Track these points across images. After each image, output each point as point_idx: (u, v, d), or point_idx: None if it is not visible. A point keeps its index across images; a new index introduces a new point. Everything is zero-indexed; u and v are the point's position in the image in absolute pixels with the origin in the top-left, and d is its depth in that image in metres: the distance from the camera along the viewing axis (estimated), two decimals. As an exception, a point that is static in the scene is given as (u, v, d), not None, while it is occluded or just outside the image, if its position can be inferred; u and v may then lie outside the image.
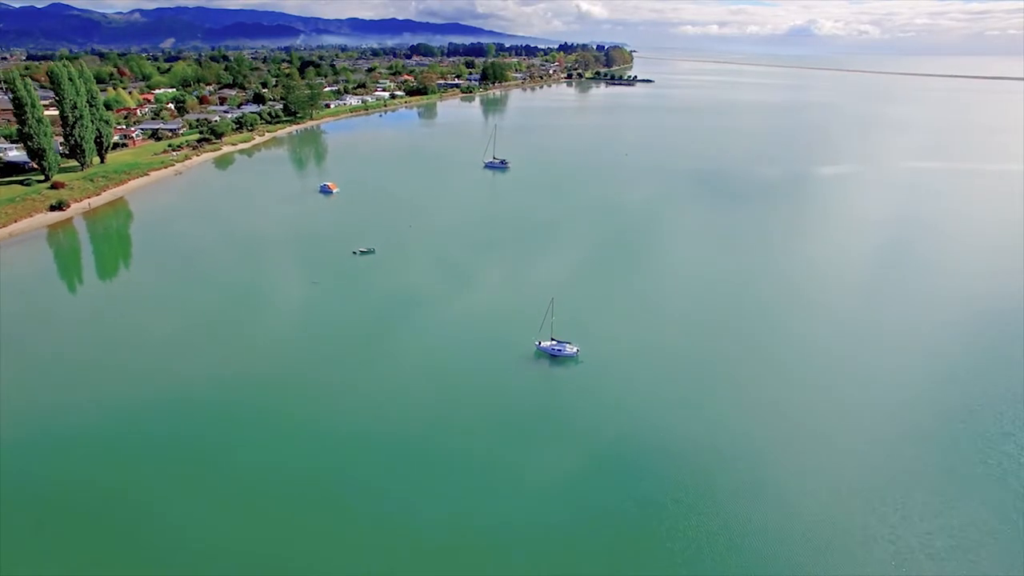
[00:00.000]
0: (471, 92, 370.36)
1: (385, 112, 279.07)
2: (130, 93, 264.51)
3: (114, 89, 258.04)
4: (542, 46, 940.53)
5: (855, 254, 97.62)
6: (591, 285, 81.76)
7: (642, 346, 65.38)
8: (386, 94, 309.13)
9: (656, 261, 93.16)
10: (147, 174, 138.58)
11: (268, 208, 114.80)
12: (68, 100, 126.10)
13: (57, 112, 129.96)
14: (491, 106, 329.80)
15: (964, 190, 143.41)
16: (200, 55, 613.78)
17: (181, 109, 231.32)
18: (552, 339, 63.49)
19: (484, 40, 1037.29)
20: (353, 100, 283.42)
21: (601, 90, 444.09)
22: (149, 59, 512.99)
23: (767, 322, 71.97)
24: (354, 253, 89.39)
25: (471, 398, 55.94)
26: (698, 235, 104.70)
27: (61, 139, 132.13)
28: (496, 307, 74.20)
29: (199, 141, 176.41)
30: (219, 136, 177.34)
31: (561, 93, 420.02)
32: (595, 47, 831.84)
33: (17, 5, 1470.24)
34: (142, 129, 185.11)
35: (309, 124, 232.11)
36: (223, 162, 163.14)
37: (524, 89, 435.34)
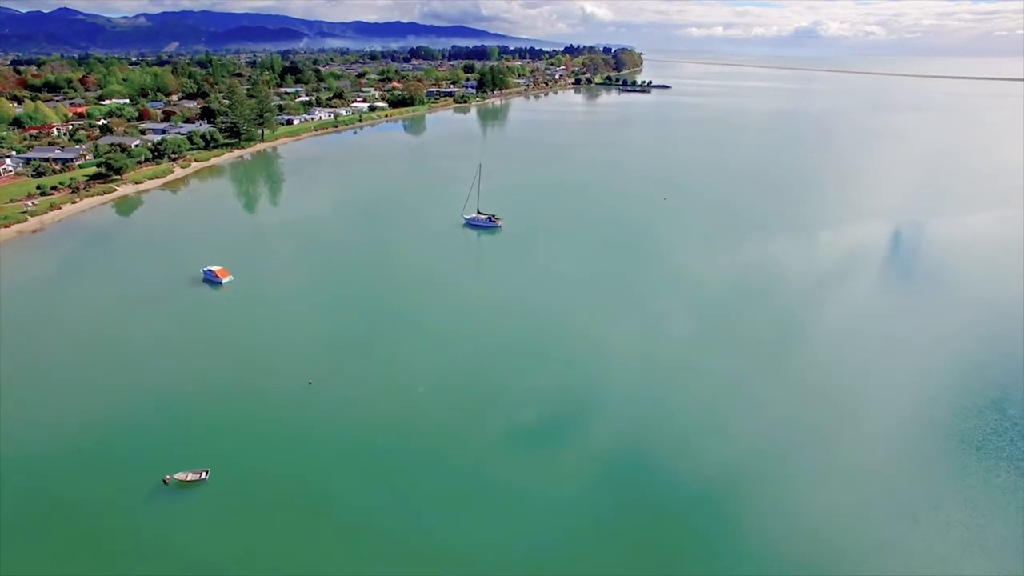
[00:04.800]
0: (466, 102, 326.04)
1: (360, 128, 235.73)
2: (55, 106, 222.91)
3: (34, 103, 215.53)
4: (547, 48, 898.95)
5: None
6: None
7: None
8: (364, 106, 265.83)
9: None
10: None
11: (99, 327, 69.65)
12: None
13: None
14: (487, 120, 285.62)
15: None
16: (191, 59, 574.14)
17: (105, 128, 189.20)
18: None
19: (488, 43, 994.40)
20: (324, 114, 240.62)
21: (614, 98, 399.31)
22: (132, 64, 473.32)
23: None
24: (165, 482, 44.47)
25: None
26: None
27: None
28: None
29: (92, 178, 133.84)
30: (117, 171, 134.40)
31: (569, 102, 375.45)
32: (601, 49, 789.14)
33: (24, 10, 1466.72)
34: (25, 160, 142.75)
35: (261, 147, 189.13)
36: (109, 213, 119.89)
37: (527, 97, 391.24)
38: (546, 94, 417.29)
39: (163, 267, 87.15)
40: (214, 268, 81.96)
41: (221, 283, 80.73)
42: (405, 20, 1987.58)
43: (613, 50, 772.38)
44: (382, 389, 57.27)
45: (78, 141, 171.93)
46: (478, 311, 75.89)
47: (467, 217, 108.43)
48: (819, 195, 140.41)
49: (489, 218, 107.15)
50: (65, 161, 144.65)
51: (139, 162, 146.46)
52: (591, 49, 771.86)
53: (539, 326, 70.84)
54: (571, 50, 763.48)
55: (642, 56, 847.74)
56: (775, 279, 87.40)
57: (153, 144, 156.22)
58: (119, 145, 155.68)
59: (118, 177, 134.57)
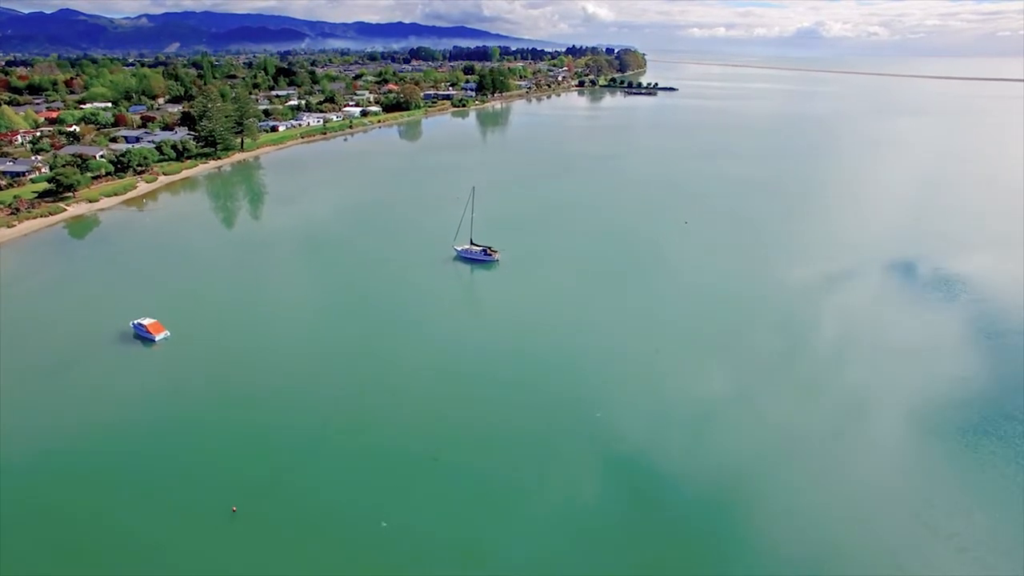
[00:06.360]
0: (465, 106, 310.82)
1: (352, 135, 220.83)
2: (25, 111, 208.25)
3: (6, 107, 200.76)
4: (549, 49, 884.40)
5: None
6: None
7: None
8: (356, 110, 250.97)
9: None
10: None
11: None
12: None
13: None
14: (486, 125, 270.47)
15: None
16: (187, 60, 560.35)
17: (72, 136, 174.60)
18: None
19: (490, 43, 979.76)
20: (313, 119, 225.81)
21: (619, 101, 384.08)
22: (128, 65, 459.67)
23: None
24: None
25: None
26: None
27: None
28: None
29: (41, 195, 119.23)
30: (70, 188, 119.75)
31: (573, 106, 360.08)
32: (604, 50, 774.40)
33: (26, 11, 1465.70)
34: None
35: (241, 157, 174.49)
36: (49, 240, 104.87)
37: (529, 100, 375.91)
38: (548, 97, 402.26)
39: (89, 315, 72.20)
40: (146, 322, 66.87)
41: (154, 340, 65.81)
42: (407, 21, 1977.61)
43: (616, 51, 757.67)
44: (332, 523, 42.18)
45: (39, 151, 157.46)
46: (470, 375, 60.99)
47: (459, 249, 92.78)
48: (849, 212, 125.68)
49: (484, 250, 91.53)
50: (15, 175, 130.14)
51: (97, 176, 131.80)
52: (594, 50, 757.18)
53: (546, 390, 56.03)
54: (574, 51, 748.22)
55: (645, 57, 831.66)
56: (798, 307, 72.68)
57: (117, 156, 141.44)
58: (79, 156, 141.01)
59: (70, 195, 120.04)
